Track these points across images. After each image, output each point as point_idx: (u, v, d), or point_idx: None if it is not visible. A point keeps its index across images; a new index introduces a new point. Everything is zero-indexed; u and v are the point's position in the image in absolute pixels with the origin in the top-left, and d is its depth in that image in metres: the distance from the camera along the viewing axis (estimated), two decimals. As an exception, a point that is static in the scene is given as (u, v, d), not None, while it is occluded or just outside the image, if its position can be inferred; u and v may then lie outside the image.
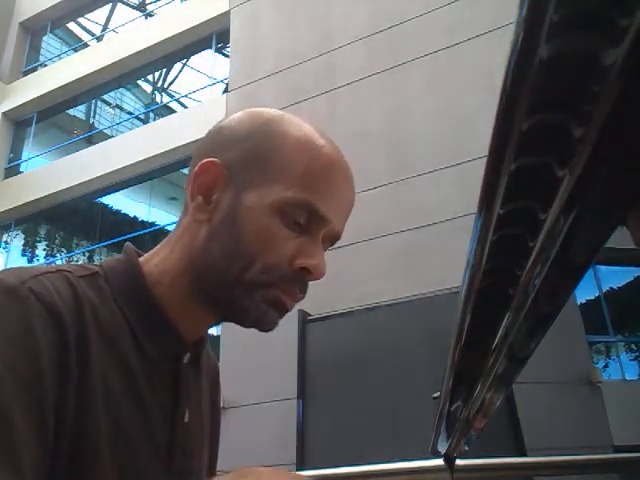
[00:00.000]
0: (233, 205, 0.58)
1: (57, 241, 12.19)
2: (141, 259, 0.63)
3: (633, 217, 0.37)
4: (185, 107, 11.34)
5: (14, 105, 12.25)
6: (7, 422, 0.45)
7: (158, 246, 0.65)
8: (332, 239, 0.62)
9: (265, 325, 0.60)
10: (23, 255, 11.97)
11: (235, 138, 0.61)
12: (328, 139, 0.62)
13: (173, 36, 10.65)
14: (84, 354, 0.52)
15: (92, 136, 11.93)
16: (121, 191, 10.91)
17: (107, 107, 12.43)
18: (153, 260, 0.62)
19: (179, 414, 0.60)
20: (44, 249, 12.01)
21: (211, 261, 0.58)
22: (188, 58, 11.60)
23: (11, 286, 0.50)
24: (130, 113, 12.14)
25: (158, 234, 10.21)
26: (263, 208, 0.57)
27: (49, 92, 11.83)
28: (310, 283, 0.62)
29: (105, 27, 13.29)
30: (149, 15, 12.48)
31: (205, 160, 0.60)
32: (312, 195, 0.58)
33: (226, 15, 9.77)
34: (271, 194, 0.57)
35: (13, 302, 0.49)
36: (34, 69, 13.11)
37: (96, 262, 0.64)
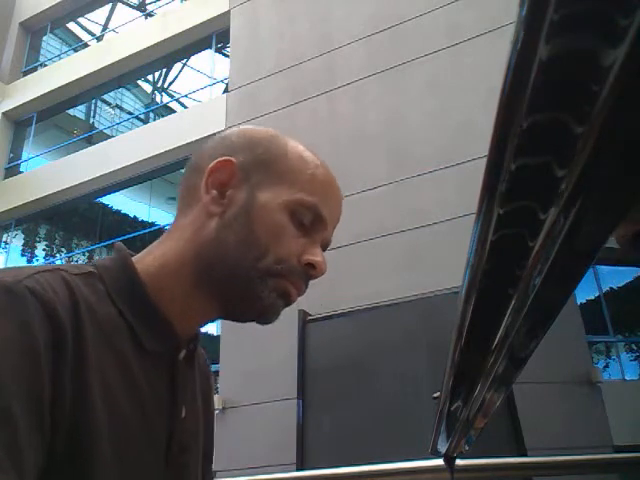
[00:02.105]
0: (248, 202, 0.63)
1: (57, 241, 12.19)
2: (135, 257, 0.65)
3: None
4: (185, 107, 11.34)
5: (14, 105, 12.25)
6: (10, 423, 0.45)
7: (156, 242, 0.67)
8: (324, 246, 0.68)
9: (270, 315, 0.64)
10: (23, 255, 11.97)
11: (244, 144, 0.67)
12: (321, 159, 0.69)
13: (173, 36, 10.64)
14: (81, 351, 0.52)
15: (92, 136, 11.93)
16: (121, 191, 10.90)
17: (107, 107, 12.43)
18: (152, 254, 0.65)
19: (176, 410, 0.62)
20: (44, 249, 12.01)
21: (225, 250, 0.62)
22: (188, 58, 11.60)
23: (8, 285, 0.51)
24: (130, 113, 12.13)
25: (158, 234, 10.21)
26: (276, 206, 0.63)
27: (49, 92, 11.82)
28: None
29: (105, 27, 13.28)
30: (149, 15, 12.48)
31: (221, 158, 0.64)
32: (317, 200, 0.64)
33: (226, 15, 9.77)
34: (283, 194, 0.63)
35: (10, 300, 0.50)
36: (34, 69, 13.10)
37: (89, 262, 0.66)
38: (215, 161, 0.64)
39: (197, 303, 0.63)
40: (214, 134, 0.73)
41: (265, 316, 0.63)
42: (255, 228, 0.62)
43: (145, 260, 0.64)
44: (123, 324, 0.59)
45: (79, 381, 0.51)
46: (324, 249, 0.68)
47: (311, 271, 0.64)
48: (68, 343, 0.51)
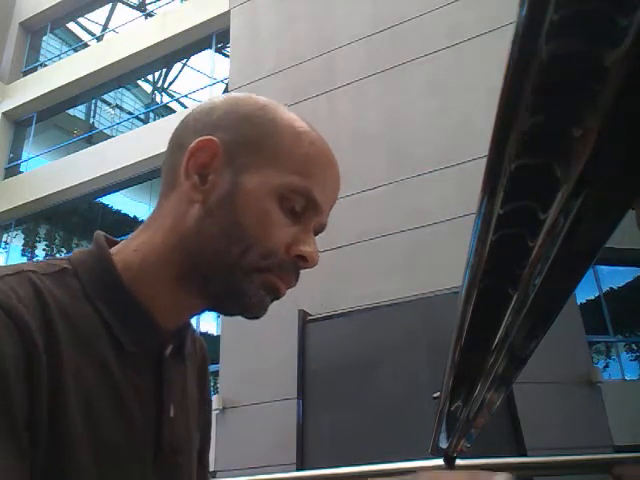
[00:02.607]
0: (232, 187, 0.57)
1: (57, 241, 12.19)
2: (115, 248, 0.60)
3: None
4: (185, 107, 11.34)
5: (14, 105, 12.25)
6: None
7: (138, 230, 0.62)
8: (319, 230, 0.62)
9: (257, 311, 0.59)
10: (23, 255, 11.97)
11: (230, 119, 0.60)
12: (316, 130, 0.62)
13: (173, 36, 10.65)
14: (54, 358, 0.49)
15: (92, 136, 11.94)
16: (121, 191, 10.91)
17: (107, 107, 12.43)
18: (131, 245, 0.60)
19: (164, 410, 0.58)
20: (44, 249, 12.01)
21: (207, 241, 0.56)
22: (188, 58, 11.61)
23: None
24: (130, 113, 12.13)
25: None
26: (264, 192, 0.56)
27: (49, 92, 11.83)
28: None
29: (105, 27, 13.29)
30: (149, 15, 12.48)
31: (203, 137, 0.58)
32: (311, 183, 0.58)
33: (226, 15, 9.77)
34: (272, 179, 0.57)
35: None
36: (34, 69, 13.11)
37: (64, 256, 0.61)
38: (196, 141, 0.57)
39: (181, 296, 0.59)
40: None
41: (251, 311, 0.59)
42: (239, 218, 0.56)
43: (125, 251, 0.59)
44: (101, 324, 0.54)
45: (54, 391, 0.48)
46: (319, 233, 0.62)
47: (301, 263, 0.58)
48: (40, 354, 0.48)
